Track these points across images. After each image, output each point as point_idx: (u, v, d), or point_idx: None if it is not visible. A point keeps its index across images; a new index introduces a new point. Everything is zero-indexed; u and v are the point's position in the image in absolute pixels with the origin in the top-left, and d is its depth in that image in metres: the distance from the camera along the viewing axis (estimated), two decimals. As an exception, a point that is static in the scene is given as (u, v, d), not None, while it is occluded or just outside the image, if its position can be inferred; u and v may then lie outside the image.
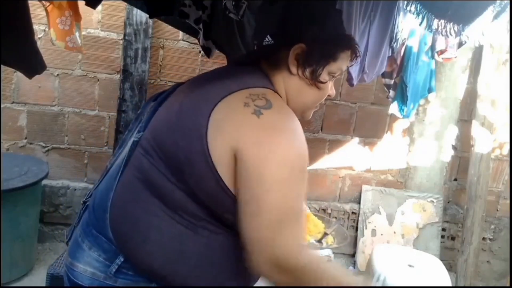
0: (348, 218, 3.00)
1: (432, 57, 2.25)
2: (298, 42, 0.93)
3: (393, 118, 2.80)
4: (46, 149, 2.59)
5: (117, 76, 2.54)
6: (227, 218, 0.86)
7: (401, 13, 1.82)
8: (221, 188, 0.82)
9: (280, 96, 0.95)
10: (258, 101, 0.85)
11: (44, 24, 2.27)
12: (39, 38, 2.36)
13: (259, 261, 0.79)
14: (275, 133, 0.82)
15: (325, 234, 1.60)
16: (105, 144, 2.63)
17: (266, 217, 0.77)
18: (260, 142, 0.80)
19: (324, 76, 0.96)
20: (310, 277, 0.83)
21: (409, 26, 2.00)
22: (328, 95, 1.03)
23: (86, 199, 1.06)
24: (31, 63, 1.39)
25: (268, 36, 0.96)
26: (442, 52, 2.15)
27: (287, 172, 0.80)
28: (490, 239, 3.11)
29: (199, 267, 0.87)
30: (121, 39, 2.46)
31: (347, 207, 2.99)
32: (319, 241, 1.64)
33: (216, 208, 0.85)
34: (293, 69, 0.94)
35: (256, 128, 0.82)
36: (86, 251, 0.91)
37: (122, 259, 0.87)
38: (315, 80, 0.95)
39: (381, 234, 2.91)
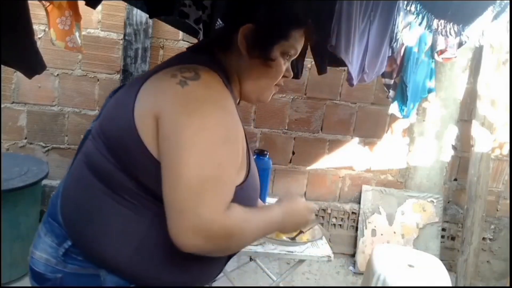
0: (348, 218, 3.00)
1: (432, 57, 2.25)
2: (247, 22, 0.92)
3: (393, 118, 2.81)
4: (46, 149, 2.59)
5: (117, 76, 2.54)
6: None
7: (401, 13, 1.82)
8: (151, 161, 0.81)
9: (228, 78, 0.94)
10: (186, 73, 0.84)
11: (44, 24, 2.28)
12: (39, 38, 2.37)
13: (180, 231, 0.76)
14: (197, 102, 0.81)
15: (301, 232, 1.62)
16: (105, 144, 2.63)
17: (184, 184, 0.75)
18: (180, 109, 0.79)
19: (275, 54, 0.95)
20: (240, 235, 0.83)
21: (408, 26, 1.99)
22: (285, 76, 1.02)
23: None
24: (31, 63, 1.39)
25: (219, 19, 0.96)
26: (442, 52, 2.15)
27: (205, 139, 0.78)
28: (490, 239, 3.11)
29: (142, 249, 0.85)
30: (121, 39, 2.47)
31: (347, 207, 2.99)
32: (293, 238, 1.67)
33: (152, 185, 0.83)
34: (243, 50, 0.94)
35: (178, 97, 0.81)
36: (42, 237, 0.93)
37: (69, 243, 0.88)
38: (264, 59, 0.94)
39: (381, 234, 2.92)
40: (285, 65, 1.00)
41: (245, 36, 0.93)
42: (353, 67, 1.66)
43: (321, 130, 2.87)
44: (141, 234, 0.85)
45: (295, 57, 1.03)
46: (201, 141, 0.78)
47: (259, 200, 1.06)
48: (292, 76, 1.05)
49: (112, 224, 0.85)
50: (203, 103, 0.81)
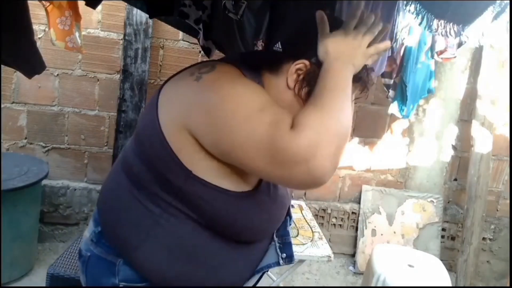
0: (348, 218, 3.00)
1: (432, 57, 2.25)
2: (303, 57, 0.90)
3: (393, 118, 2.80)
4: (46, 149, 2.59)
5: (117, 76, 2.54)
6: (185, 194, 0.86)
7: (401, 13, 1.82)
8: (169, 155, 0.84)
9: None
10: (203, 69, 0.87)
11: (44, 24, 2.28)
12: (39, 38, 2.37)
13: (315, 164, 0.74)
14: (214, 91, 0.82)
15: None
16: (105, 144, 2.63)
17: (251, 135, 0.77)
18: (204, 108, 0.81)
19: None
20: (319, 119, 0.79)
21: (408, 26, 2.00)
22: None
23: None
24: (31, 63, 1.39)
25: (279, 43, 0.94)
26: (441, 52, 2.15)
27: (241, 104, 0.80)
28: (490, 239, 3.11)
29: (166, 248, 0.90)
30: (121, 39, 2.47)
31: (347, 207, 2.99)
32: None
33: (171, 178, 0.85)
34: (290, 82, 0.91)
35: (195, 94, 0.84)
36: (90, 221, 1.03)
37: (99, 229, 0.96)
38: (306, 100, 0.91)
39: (381, 234, 2.92)
40: None
41: (297, 71, 0.90)
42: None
43: (321, 130, 2.86)
44: (165, 236, 0.89)
45: None
46: (240, 107, 0.79)
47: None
48: None
49: (139, 221, 0.90)
50: (219, 88, 0.82)
